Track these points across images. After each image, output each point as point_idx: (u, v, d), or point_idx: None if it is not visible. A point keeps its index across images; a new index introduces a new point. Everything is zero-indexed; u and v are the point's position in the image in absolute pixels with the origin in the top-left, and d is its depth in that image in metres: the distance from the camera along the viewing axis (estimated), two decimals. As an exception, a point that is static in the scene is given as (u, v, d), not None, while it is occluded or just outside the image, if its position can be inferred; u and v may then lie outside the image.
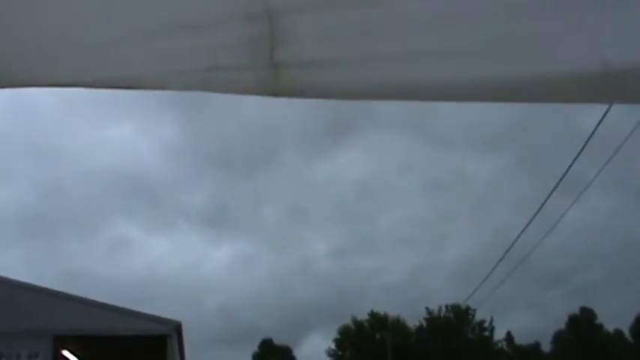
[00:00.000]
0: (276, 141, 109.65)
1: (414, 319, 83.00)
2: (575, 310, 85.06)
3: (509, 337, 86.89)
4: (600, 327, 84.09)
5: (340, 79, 2.44)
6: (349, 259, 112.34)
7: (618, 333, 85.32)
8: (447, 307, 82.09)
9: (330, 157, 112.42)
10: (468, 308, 78.58)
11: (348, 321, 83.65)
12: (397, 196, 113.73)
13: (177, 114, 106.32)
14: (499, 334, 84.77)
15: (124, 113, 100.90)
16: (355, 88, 2.46)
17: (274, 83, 2.44)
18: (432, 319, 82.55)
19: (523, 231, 24.99)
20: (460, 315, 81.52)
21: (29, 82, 2.59)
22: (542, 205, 22.31)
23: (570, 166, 18.71)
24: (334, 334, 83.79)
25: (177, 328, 22.45)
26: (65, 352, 22.42)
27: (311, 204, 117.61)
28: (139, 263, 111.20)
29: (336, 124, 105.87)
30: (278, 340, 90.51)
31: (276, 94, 2.46)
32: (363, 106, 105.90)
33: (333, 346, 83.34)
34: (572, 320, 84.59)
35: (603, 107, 15.89)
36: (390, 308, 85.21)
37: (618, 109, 15.46)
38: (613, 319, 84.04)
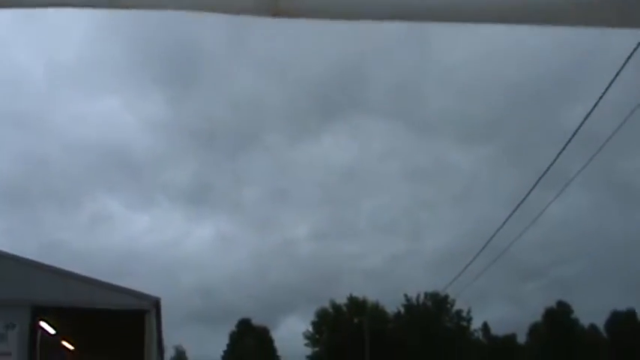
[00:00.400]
0: (262, 121, 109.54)
1: (392, 305, 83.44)
2: (552, 304, 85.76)
3: (485, 327, 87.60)
4: (576, 321, 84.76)
5: None
6: (330, 243, 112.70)
7: (593, 328, 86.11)
8: (425, 294, 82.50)
9: (314, 140, 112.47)
10: (446, 297, 79.01)
11: (326, 304, 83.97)
12: (380, 182, 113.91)
13: (164, 90, 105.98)
14: (477, 325, 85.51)
15: (111, 86, 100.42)
16: (356, 8, 2.41)
17: (274, 3, 2.39)
18: (411, 306, 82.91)
19: (504, 224, 25.10)
20: (438, 303, 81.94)
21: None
22: (524, 198, 22.41)
23: (554, 161, 18.79)
24: (312, 317, 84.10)
25: (156, 303, 22.42)
26: (43, 324, 22.36)
27: (294, 186, 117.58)
28: (120, 238, 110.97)
29: (323, 107, 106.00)
30: (256, 321, 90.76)
31: (275, 14, 2.41)
32: (350, 91, 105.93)
33: (310, 328, 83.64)
34: (549, 313, 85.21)
35: (589, 104, 15.98)
36: (369, 293, 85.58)
37: (604, 107, 15.53)
38: (589, 314, 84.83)
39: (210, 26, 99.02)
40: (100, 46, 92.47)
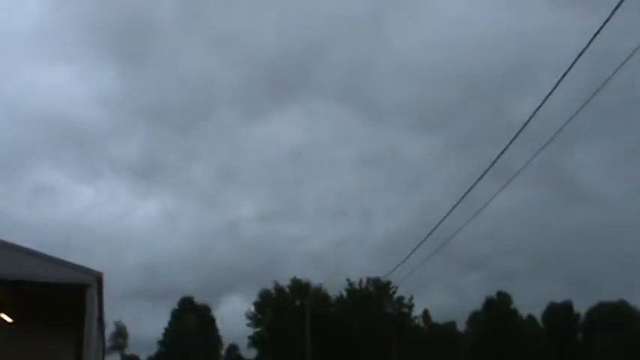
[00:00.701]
0: (214, 98, 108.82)
1: (335, 289, 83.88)
2: (493, 294, 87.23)
3: (426, 314, 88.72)
4: (515, 311, 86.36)
5: None
6: (276, 224, 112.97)
7: (531, 319, 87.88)
8: (368, 280, 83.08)
9: (265, 120, 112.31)
10: (389, 283, 79.68)
11: (269, 286, 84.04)
12: (329, 165, 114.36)
13: (116, 62, 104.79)
14: (418, 312, 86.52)
15: (62, 56, 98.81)
16: None
17: None
18: (353, 290, 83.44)
19: (448, 214, 25.34)
20: (380, 289, 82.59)
21: None
22: (469, 189, 22.64)
23: (501, 153, 19.03)
24: (255, 298, 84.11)
25: (99, 278, 22.17)
26: (-20, 295, 21.99)
27: (243, 165, 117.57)
28: (64, 211, 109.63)
29: (276, 86, 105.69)
30: (198, 299, 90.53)
31: None
32: (304, 72, 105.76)
33: (252, 309, 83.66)
34: (489, 303, 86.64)
35: (540, 97, 16.20)
36: (312, 276, 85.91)
37: (555, 99, 15.77)
38: (527, 304, 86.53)
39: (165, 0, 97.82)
40: (54, 16, 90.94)
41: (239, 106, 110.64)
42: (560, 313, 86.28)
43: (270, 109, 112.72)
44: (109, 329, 76.81)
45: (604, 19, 12.18)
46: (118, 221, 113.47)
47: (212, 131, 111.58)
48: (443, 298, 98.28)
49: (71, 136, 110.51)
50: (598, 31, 12.60)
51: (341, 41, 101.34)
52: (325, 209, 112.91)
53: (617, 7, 11.46)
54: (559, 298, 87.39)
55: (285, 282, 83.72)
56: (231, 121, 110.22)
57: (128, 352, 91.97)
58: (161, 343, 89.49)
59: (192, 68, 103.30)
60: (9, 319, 26.26)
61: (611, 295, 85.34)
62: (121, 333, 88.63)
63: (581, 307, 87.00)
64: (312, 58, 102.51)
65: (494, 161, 19.59)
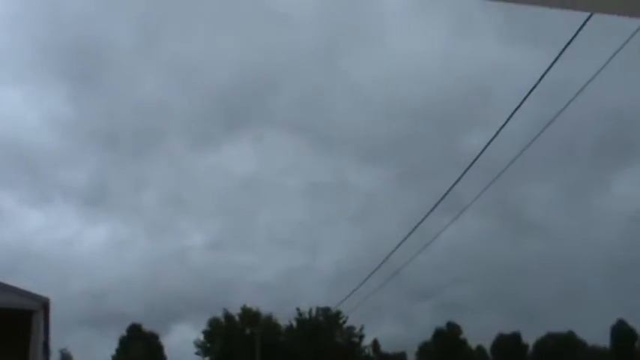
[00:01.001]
0: (166, 125, 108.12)
1: (285, 318, 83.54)
2: (442, 324, 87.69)
3: (375, 344, 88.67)
4: (464, 342, 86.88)
5: None
6: (226, 253, 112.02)
7: (480, 350, 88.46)
8: (318, 309, 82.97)
9: (217, 148, 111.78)
10: (338, 313, 79.71)
11: (219, 314, 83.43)
12: (280, 195, 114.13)
13: (69, 85, 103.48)
14: (368, 342, 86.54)
15: (13, 77, 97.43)
16: None
17: None
18: (303, 320, 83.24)
19: (399, 245, 25.56)
20: (330, 319, 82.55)
21: None
22: (421, 221, 22.89)
23: (452, 187, 19.29)
24: (204, 326, 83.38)
25: (45, 304, 21.83)
26: None
27: (193, 193, 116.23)
28: (11, 234, 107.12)
29: (228, 114, 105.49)
30: (147, 327, 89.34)
31: None
32: (257, 101, 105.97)
33: (201, 337, 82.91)
34: (438, 333, 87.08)
35: (491, 131, 16.47)
36: (262, 305, 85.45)
37: (504, 136, 16.05)
38: (476, 335, 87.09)
39: (120, 24, 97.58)
40: (5, 37, 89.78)
41: (191, 133, 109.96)
42: (508, 344, 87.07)
43: (222, 138, 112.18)
44: (54, 357, 75.21)
45: (554, 56, 12.47)
46: (67, 247, 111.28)
47: (163, 158, 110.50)
48: (393, 328, 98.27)
49: (20, 160, 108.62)
50: (548, 68, 12.88)
51: (295, 73, 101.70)
52: (275, 238, 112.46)
53: (567, 45, 11.74)
54: (508, 329, 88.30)
55: (235, 310, 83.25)
56: (183, 148, 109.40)
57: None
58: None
59: (146, 94, 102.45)
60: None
61: (559, 327, 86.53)
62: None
63: (529, 338, 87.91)
64: (265, 88, 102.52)
65: (446, 193, 19.87)
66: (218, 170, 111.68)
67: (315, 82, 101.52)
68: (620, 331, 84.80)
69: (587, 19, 9.55)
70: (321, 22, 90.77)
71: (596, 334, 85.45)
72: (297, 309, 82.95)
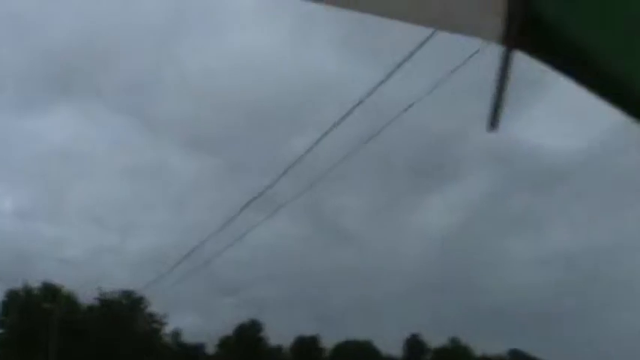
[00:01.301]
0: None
1: (87, 297, 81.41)
2: (245, 320, 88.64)
3: (175, 333, 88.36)
4: (264, 339, 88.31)
5: None
6: (32, 223, 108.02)
7: (278, 348, 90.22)
8: (121, 292, 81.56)
9: (39, 114, 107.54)
10: (142, 298, 78.84)
11: (19, 286, 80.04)
12: (97, 172, 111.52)
13: None
14: (170, 329, 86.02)
15: None
16: None
17: None
18: (104, 300, 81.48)
19: (209, 237, 25.86)
20: (133, 302, 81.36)
21: None
22: (233, 217, 23.22)
23: (269, 187, 19.70)
24: (1, 297, 79.72)
25: None
26: None
27: (8, 156, 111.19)
28: None
29: (57, 82, 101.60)
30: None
31: None
32: (88, 74, 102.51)
33: (-2, 308, 79.19)
34: (240, 329, 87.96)
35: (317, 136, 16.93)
36: (65, 281, 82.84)
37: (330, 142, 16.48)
38: (277, 334, 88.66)
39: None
40: None
41: (16, 94, 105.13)
42: (307, 345, 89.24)
43: (46, 104, 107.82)
44: None
45: (389, 72, 12.90)
46: None
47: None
48: (196, 319, 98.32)
49: None
50: (379, 84, 13.24)
51: (130, 50, 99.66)
52: (88, 215, 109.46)
53: (402, 62, 12.20)
54: (309, 332, 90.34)
55: (36, 284, 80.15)
56: (3, 108, 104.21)
57: None
58: None
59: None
60: None
61: (358, 334, 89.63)
62: None
63: (328, 343, 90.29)
64: (98, 62, 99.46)
65: (262, 193, 20.17)
66: (38, 137, 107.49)
67: (149, 64, 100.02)
68: (413, 342, 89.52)
69: (429, 37, 9.25)
70: (165, 4, 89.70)
71: (391, 345, 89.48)
72: (99, 288, 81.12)
